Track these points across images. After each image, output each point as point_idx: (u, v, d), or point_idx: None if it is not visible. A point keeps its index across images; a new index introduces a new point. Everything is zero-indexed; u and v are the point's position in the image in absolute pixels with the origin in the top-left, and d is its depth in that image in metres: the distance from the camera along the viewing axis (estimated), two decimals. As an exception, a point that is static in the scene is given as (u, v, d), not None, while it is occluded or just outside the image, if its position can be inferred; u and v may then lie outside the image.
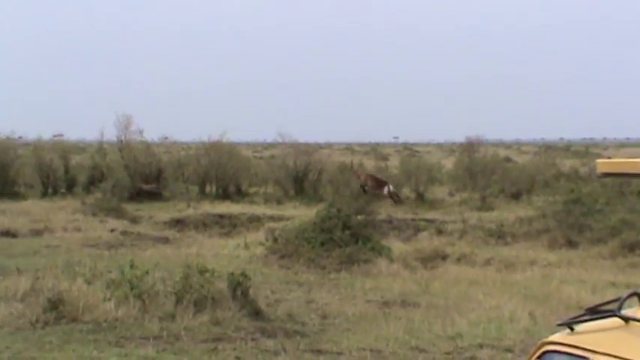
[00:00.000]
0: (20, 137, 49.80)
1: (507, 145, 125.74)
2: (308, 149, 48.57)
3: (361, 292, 16.86)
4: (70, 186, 46.10)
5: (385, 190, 37.59)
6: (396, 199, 37.16)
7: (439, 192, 43.60)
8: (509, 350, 11.65)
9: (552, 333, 4.55)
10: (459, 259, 22.50)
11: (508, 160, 58.78)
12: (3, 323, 12.27)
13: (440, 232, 28.11)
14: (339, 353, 11.30)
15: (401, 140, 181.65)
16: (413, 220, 31.82)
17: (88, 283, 13.96)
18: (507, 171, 45.44)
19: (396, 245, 23.93)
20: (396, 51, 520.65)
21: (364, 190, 38.00)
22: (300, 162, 44.76)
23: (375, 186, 39.04)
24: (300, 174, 44.42)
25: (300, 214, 30.99)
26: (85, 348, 10.84)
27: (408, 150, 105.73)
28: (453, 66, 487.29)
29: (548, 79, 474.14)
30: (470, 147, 50.81)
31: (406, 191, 41.92)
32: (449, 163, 54.74)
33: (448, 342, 12.05)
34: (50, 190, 45.08)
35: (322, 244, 21.13)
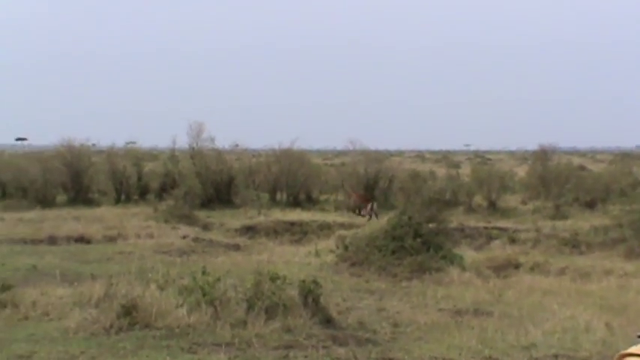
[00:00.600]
0: (94, 145, 50.67)
1: (581, 154, 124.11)
2: (379, 157, 48.57)
3: (433, 301, 16.70)
4: (143, 193, 46.69)
5: (369, 206, 37.19)
6: (372, 213, 36.62)
7: (511, 200, 43.17)
8: (585, 361, 11.41)
9: (630, 345, 4.40)
10: (532, 268, 22.21)
11: (582, 168, 57.93)
12: (78, 328, 12.41)
13: (513, 240, 27.79)
14: (411, 362, 11.20)
15: (472, 148, 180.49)
16: (485, 228, 31.53)
17: (161, 289, 14.06)
18: (582, 179, 44.76)
19: (468, 254, 23.71)
20: (468, 59, 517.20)
21: (359, 211, 37.65)
22: (370, 169, 44.74)
23: (362, 202, 38.57)
24: (370, 181, 44.35)
25: (371, 221, 30.89)
26: (159, 354, 10.89)
27: (480, 158, 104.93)
28: (526, 74, 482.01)
29: (622, 87, 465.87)
30: (543, 155, 50.26)
31: (478, 199, 41.53)
32: (521, 171, 54.08)
33: (522, 352, 11.85)
34: (123, 197, 45.75)
35: (393, 252, 21.01)
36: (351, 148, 49.98)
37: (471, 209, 38.94)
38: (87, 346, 11.25)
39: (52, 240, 26.96)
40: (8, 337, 11.94)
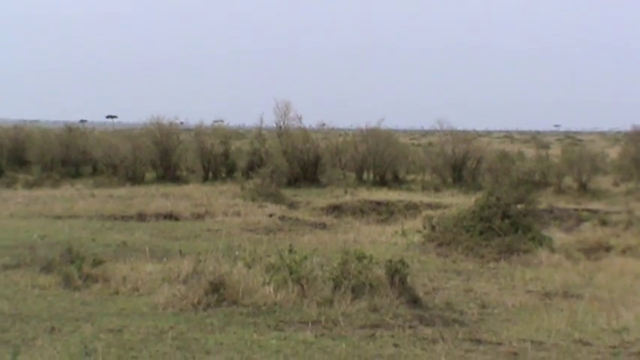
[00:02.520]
0: (182, 123, 51.22)
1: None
2: (467, 137, 48.23)
3: (521, 283, 16.44)
4: (230, 171, 47.20)
5: None
6: None
7: (603, 182, 42.31)
8: (679, 346, 11.06)
9: None
10: (623, 251, 21.70)
11: (678, 148, 56.41)
12: (167, 304, 12.54)
13: (604, 222, 27.20)
14: (499, 343, 10.99)
15: (562, 128, 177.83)
16: (575, 210, 31.01)
17: (248, 267, 14.14)
18: (677, 160, 43.59)
19: (557, 235, 23.31)
20: (558, 38, 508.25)
21: None
22: (458, 150, 44.43)
23: None
24: (458, 162, 44.08)
25: (458, 202, 30.65)
26: (246, 330, 10.93)
27: (570, 138, 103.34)
28: (618, 52, 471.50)
29: None
30: (636, 136, 49.02)
31: (568, 181, 40.85)
32: (613, 153, 52.94)
33: (613, 336, 11.54)
34: (211, 175, 46.21)
35: (481, 232, 20.78)
36: (438, 128, 49.64)
37: (560, 190, 38.37)
38: (175, 322, 11.35)
39: (142, 216, 27.40)
40: (99, 311, 12.13)
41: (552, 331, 11.61)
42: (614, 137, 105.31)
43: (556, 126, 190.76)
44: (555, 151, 57.07)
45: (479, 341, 11.04)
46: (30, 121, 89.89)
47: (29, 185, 41.65)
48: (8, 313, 11.76)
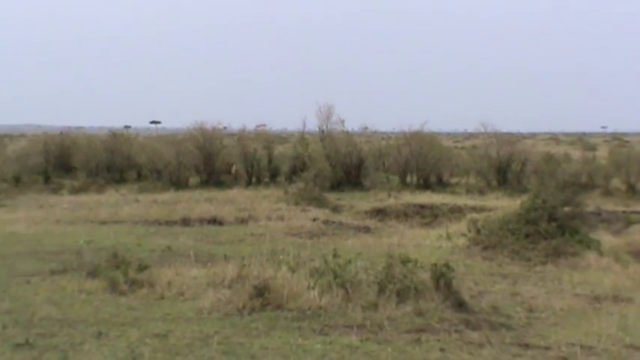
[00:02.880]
0: (225, 128, 51.41)
1: None
2: (511, 139, 47.87)
3: (569, 286, 16.23)
4: (274, 175, 47.31)
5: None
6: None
7: (652, 184, 41.76)
8: None
9: None
10: (677, 254, 21.35)
11: None
12: (212, 308, 12.54)
13: (654, 225, 26.86)
14: (547, 348, 10.85)
15: (609, 130, 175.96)
16: (624, 212, 30.67)
17: (292, 271, 14.08)
18: None
19: (606, 238, 22.98)
20: (605, 39, 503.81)
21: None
22: (503, 152, 44.10)
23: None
24: (503, 164, 43.77)
25: (503, 205, 30.38)
26: (290, 335, 10.90)
27: (618, 140, 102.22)
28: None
29: None
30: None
31: (616, 182, 40.40)
32: (662, 154, 52.23)
33: (666, 341, 11.35)
34: (254, 180, 46.34)
35: (527, 235, 20.58)
36: (482, 130, 49.32)
37: (608, 193, 37.95)
38: (221, 326, 11.35)
39: (186, 221, 27.52)
40: (145, 316, 12.16)
41: (602, 336, 11.44)
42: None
43: (603, 127, 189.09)
44: (602, 152, 56.55)
45: (527, 346, 10.91)
46: (75, 128, 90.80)
47: (75, 191, 42.07)
48: (56, 318, 11.83)
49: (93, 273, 15.22)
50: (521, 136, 65.89)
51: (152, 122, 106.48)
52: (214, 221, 27.79)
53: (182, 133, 54.56)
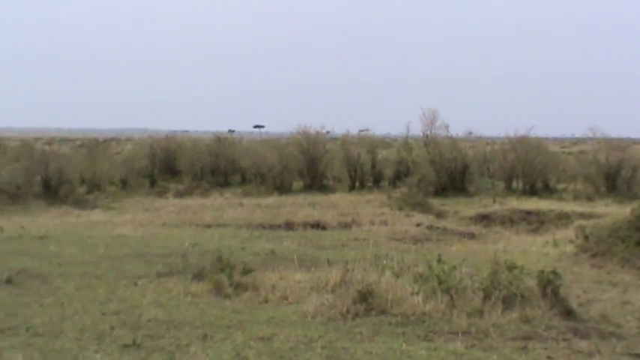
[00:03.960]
0: (328, 132, 51.58)
1: None
2: (621, 145, 46.79)
3: (682, 295, 15.70)
4: (377, 180, 47.27)
5: None
6: None
7: None
8: None
9: None
10: None
11: None
12: (315, 313, 12.55)
13: None
14: (659, 359, 10.52)
15: None
16: None
17: (396, 276, 14.01)
18: None
19: None
20: None
21: None
22: (612, 158, 43.11)
23: None
24: (612, 170, 42.82)
25: (612, 211, 29.65)
26: (395, 340, 10.82)
27: None
28: None
29: None
30: None
31: None
32: None
33: None
34: (357, 184, 46.35)
35: (638, 243, 20.00)
36: (590, 135, 48.32)
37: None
38: (324, 331, 11.34)
39: (289, 225, 27.70)
40: (249, 319, 12.24)
41: None
42: None
43: None
44: None
45: (638, 356, 10.59)
46: (180, 132, 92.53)
47: (180, 194, 42.81)
48: (162, 320, 12.01)
49: (198, 276, 15.42)
50: (632, 142, 64.26)
51: (256, 126, 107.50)
52: (317, 225, 27.90)
53: (285, 137, 55.02)
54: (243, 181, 50.66)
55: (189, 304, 13.39)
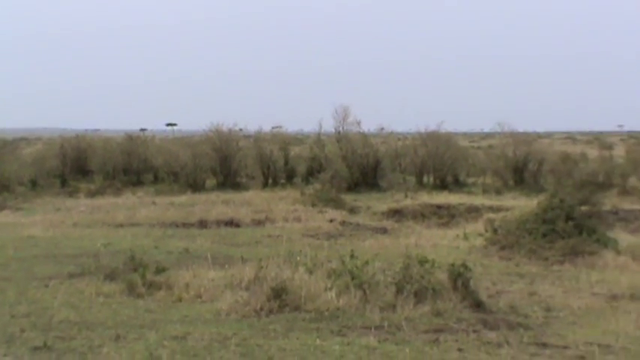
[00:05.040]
0: (241, 129, 51.47)
1: None
2: (528, 139, 47.83)
3: (586, 285, 16.19)
4: (290, 177, 47.35)
5: None
6: None
7: (669, 182, 41.63)
8: None
9: None
10: (694, 253, 21.27)
11: None
12: (229, 310, 12.58)
13: (670, 223, 26.79)
14: (565, 347, 10.82)
15: (626, 128, 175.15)
16: (641, 211, 30.54)
17: (310, 272, 14.09)
18: None
19: (623, 237, 22.91)
20: (619, 35, 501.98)
21: None
22: (519, 152, 44.07)
23: None
24: (519, 164, 43.75)
25: (520, 204, 30.32)
26: (309, 336, 10.91)
27: (634, 138, 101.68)
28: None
29: None
30: (703, 134, 48.33)
31: (633, 181, 40.29)
32: (679, 151, 52.00)
33: (685, 340, 11.31)
34: (270, 181, 46.40)
35: (544, 235, 20.53)
36: (498, 130, 49.24)
37: (625, 192, 37.80)
38: (239, 328, 11.37)
39: (203, 223, 27.61)
40: (163, 318, 12.20)
41: (620, 334, 11.43)
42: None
43: (619, 126, 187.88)
44: (619, 151, 56.24)
45: (544, 345, 10.89)
46: (91, 131, 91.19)
47: (92, 194, 42.17)
48: (74, 321, 11.88)
49: (110, 276, 15.28)
50: (538, 136, 65.81)
51: (168, 124, 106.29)
52: (231, 223, 27.85)
53: (198, 135, 54.70)
54: (156, 179, 50.19)
55: (101, 305, 13.27)
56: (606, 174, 41.87)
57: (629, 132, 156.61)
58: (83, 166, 53.16)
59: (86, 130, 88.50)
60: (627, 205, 32.62)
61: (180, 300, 13.82)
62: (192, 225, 27.36)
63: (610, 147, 69.47)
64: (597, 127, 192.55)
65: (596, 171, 42.42)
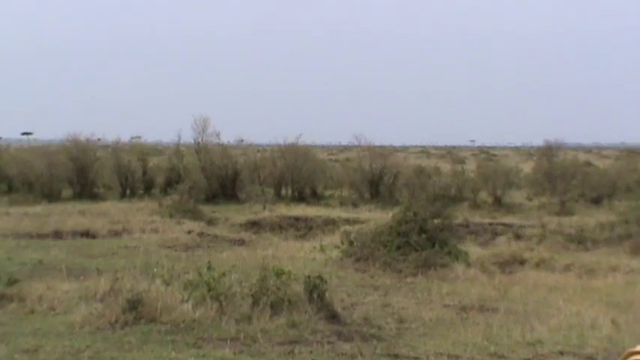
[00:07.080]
0: (99, 139, 50.70)
1: (587, 149, 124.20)
2: (384, 152, 48.54)
3: (438, 297, 16.66)
4: (148, 187, 46.82)
5: None
6: None
7: (517, 196, 43.19)
8: (591, 358, 11.31)
9: (637, 342, 4.38)
10: (537, 265, 22.20)
11: (588, 164, 58.08)
12: (83, 323, 12.41)
13: (518, 236, 27.84)
14: (416, 358, 11.13)
15: (477, 143, 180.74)
16: (490, 224, 31.57)
17: (166, 284, 14.06)
18: (588, 175, 44.86)
19: (473, 250, 23.70)
20: (475, 55, 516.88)
21: None
22: (375, 165, 44.80)
23: None
24: (375, 177, 44.48)
25: (376, 217, 30.89)
26: (164, 349, 10.89)
27: (485, 153, 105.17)
28: (531, 70, 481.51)
29: (628, 82, 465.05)
30: (549, 151, 50.28)
31: (483, 195, 41.54)
32: (527, 167, 54.08)
33: (527, 348, 11.79)
34: (128, 192, 45.84)
35: (398, 247, 20.97)
36: (356, 143, 49.98)
37: (476, 205, 38.96)
38: (92, 341, 11.25)
39: (58, 234, 27.03)
40: (14, 331, 11.96)
41: (469, 345, 11.81)
42: (527, 152, 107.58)
43: (471, 141, 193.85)
44: (471, 166, 57.94)
45: (396, 356, 11.18)
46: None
47: (-60, 205, 40.66)
48: None
49: (-40, 288, 14.85)
50: (394, 149, 66.97)
51: (24, 133, 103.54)
52: (87, 234, 27.37)
53: (55, 144, 53.46)
54: (10, 189, 48.76)
55: (-51, 318, 12.90)
56: (458, 188, 42.99)
57: (480, 147, 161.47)
58: None
59: None
60: (477, 218, 33.63)
61: (32, 312, 13.56)
62: (47, 236, 26.74)
63: (462, 161, 71.59)
64: (450, 141, 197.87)
65: (449, 185, 43.48)
